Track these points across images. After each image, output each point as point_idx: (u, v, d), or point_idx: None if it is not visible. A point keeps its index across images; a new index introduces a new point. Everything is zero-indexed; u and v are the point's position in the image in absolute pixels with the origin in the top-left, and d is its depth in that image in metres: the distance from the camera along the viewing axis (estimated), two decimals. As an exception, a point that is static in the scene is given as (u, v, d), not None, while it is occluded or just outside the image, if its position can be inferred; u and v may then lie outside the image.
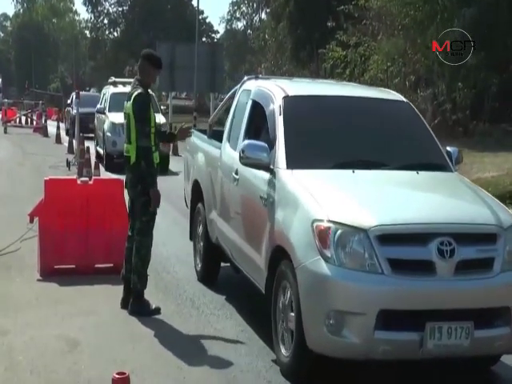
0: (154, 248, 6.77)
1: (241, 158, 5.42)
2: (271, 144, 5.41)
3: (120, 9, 67.49)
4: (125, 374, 3.02)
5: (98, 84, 68.34)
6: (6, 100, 45.86)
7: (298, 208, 4.74)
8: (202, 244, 7.18)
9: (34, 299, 6.42)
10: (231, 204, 6.21)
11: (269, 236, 5.09)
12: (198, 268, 7.31)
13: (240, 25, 67.33)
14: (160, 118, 15.62)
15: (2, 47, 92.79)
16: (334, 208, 4.56)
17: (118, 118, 15.06)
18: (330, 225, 4.39)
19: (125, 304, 6.19)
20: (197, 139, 7.84)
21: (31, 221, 7.51)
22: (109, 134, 16.50)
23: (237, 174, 5.94)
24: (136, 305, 6.09)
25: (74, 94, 26.72)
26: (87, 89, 60.03)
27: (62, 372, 4.74)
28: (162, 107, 18.52)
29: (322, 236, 4.40)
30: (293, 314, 4.63)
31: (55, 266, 7.21)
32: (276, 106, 5.72)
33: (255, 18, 62.50)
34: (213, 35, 67.68)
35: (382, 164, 5.39)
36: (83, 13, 74.70)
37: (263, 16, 54.51)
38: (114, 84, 18.69)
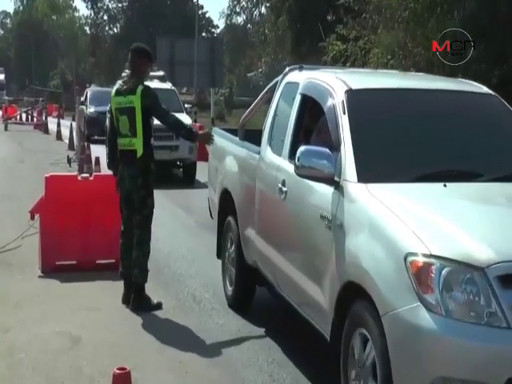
0: (155, 243, 6.79)
1: (296, 167, 4.30)
2: (333, 150, 4.32)
3: (119, 5, 67.54)
4: (125, 369, 3.02)
5: (98, 80, 68.33)
6: (6, 97, 45.89)
7: (382, 235, 3.63)
8: (233, 266, 6.23)
9: (36, 296, 6.43)
10: (277, 222, 5.18)
11: (336, 268, 3.99)
12: (228, 292, 6.31)
13: (240, 19, 67.23)
14: (185, 119, 14.63)
15: (2, 44, 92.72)
16: (434, 237, 3.44)
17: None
18: (433, 261, 3.30)
19: (126, 300, 6.19)
20: (225, 140, 6.81)
21: (32, 218, 7.51)
22: None
23: (284, 185, 4.91)
24: (137, 300, 6.09)
25: (88, 91, 25.40)
26: (87, 85, 60.03)
27: (64, 369, 4.75)
28: (185, 105, 17.27)
29: (422, 276, 3.31)
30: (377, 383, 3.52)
31: (56, 263, 7.21)
32: (337, 102, 4.61)
33: (255, 13, 62.35)
34: (213, 30, 67.74)
35: (478, 174, 4.31)
36: (83, 9, 74.73)
37: (263, 10, 54.38)
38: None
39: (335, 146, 4.37)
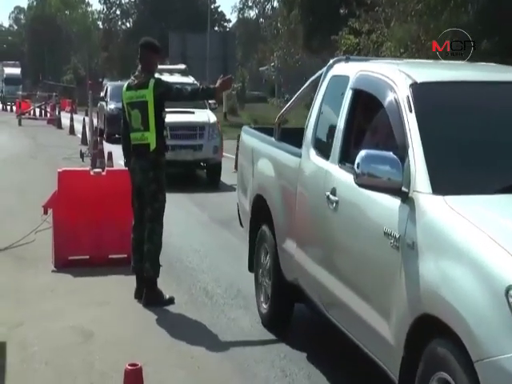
0: (167, 238, 6.80)
1: (356, 175, 3.63)
2: (398, 155, 3.65)
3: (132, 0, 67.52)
4: (137, 365, 3.01)
5: (110, 75, 68.48)
6: (20, 92, 46.10)
7: (472, 261, 2.98)
8: (269, 280, 5.54)
9: (49, 290, 6.45)
10: (325, 236, 4.45)
11: (407, 296, 3.33)
12: (262, 310, 5.65)
13: (252, 13, 67.31)
14: (209, 117, 13.72)
15: (16, 40, 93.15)
16: None
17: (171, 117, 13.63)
18: None
19: (138, 294, 6.20)
20: (257, 141, 6.17)
21: (45, 212, 7.53)
22: None
23: (335, 194, 4.24)
24: (149, 295, 6.09)
25: (108, 85, 24.24)
26: (100, 80, 60.12)
27: (76, 363, 4.76)
28: (209, 101, 15.52)
29: None
30: None
31: (69, 257, 7.24)
32: (401, 98, 3.92)
33: (267, 7, 62.38)
34: (225, 24, 67.71)
35: None
36: (95, 4, 75.04)
37: (275, 4, 54.34)
38: (159, 72, 16.30)
39: (400, 150, 3.69)
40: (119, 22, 70.35)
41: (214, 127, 13.46)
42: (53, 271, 7.07)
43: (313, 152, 4.89)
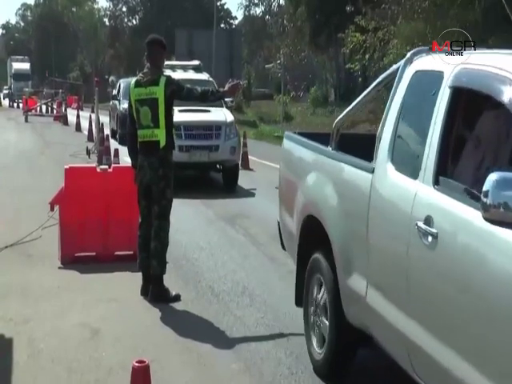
0: (174, 235, 6.81)
1: (486, 208, 2.73)
2: None
3: (138, -4, 67.57)
4: (145, 362, 3.02)
5: (117, 72, 68.52)
6: (27, 89, 46.22)
7: None
8: (325, 321, 4.52)
9: (55, 287, 6.46)
10: (417, 278, 3.40)
11: None
12: (314, 354, 4.66)
13: (258, 10, 67.28)
14: (226, 116, 12.96)
15: (23, 37, 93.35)
16: None
17: (186, 115, 11.89)
18: None
19: (145, 291, 6.21)
20: (307, 150, 5.20)
21: (52, 209, 7.55)
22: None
23: (431, 224, 3.25)
24: (156, 291, 6.10)
25: (121, 83, 22.38)
26: (106, 77, 60.17)
27: (84, 360, 4.77)
28: (225, 99, 15.36)
29: None
30: None
31: (76, 254, 7.25)
32: None
33: (273, 4, 62.21)
34: (231, 21, 67.69)
35: None
36: (102, 1, 75.16)
37: (281, 1, 54.20)
38: (172, 68, 14.09)
39: None
40: (125, 19, 70.43)
41: (231, 127, 12.59)
42: (59, 268, 7.09)
43: (391, 167, 3.88)
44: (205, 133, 12.26)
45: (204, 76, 14.32)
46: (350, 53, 28.59)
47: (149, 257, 6.19)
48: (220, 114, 12.85)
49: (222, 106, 13.10)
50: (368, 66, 28.71)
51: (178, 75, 12.55)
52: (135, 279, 6.38)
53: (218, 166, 12.66)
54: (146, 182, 6.21)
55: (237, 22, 69.21)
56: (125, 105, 18.13)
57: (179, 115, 10.55)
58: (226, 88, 6.44)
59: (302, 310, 5.74)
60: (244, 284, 6.63)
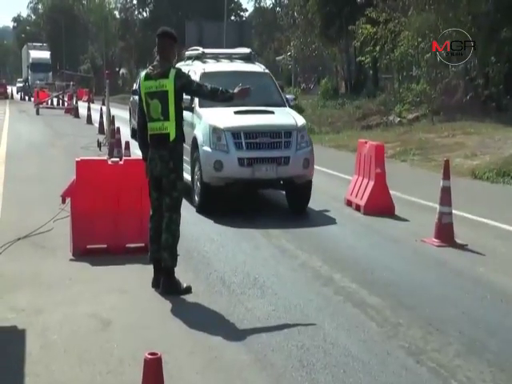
0: (184, 227, 6.81)
1: None
2: None
3: (149, -11, 67.48)
4: (157, 354, 3.02)
5: (127, 64, 68.51)
6: (38, 81, 46.18)
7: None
8: None
9: (67, 279, 6.50)
10: None
11: None
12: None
13: (268, 2, 67.07)
14: (296, 118, 10.00)
15: (34, 29, 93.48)
16: None
17: (219, 117, 9.62)
18: None
19: (156, 284, 6.23)
20: None
21: (63, 201, 7.59)
22: (207, 148, 9.43)
23: None
24: (167, 284, 6.12)
25: (142, 73, 20.55)
26: (117, 69, 60.10)
27: (95, 351, 4.80)
28: (287, 95, 13.18)
29: None
30: None
31: (87, 246, 7.29)
32: None
33: (284, -4, 61.93)
34: (241, 13, 67.45)
35: None
36: (112, -7, 74.85)
37: (292, -7, 53.98)
38: (203, 57, 11.42)
39: None
40: (136, 12, 70.33)
41: (303, 132, 9.70)
42: (71, 260, 7.13)
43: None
44: (272, 141, 9.37)
45: (258, 67, 11.44)
46: (360, 45, 28.47)
47: (160, 249, 6.21)
48: (288, 117, 10.05)
49: (284, 105, 10.65)
50: (379, 58, 28.57)
51: (224, 66, 11.08)
52: (146, 271, 6.41)
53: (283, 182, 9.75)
54: (157, 174, 6.23)
55: (247, 14, 69.03)
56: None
57: (237, 118, 9.46)
58: (236, 90, 6.31)
59: (312, 301, 5.76)
60: (255, 276, 6.63)
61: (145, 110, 6.27)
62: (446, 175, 8.08)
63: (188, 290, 6.14)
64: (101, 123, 21.53)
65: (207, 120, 9.58)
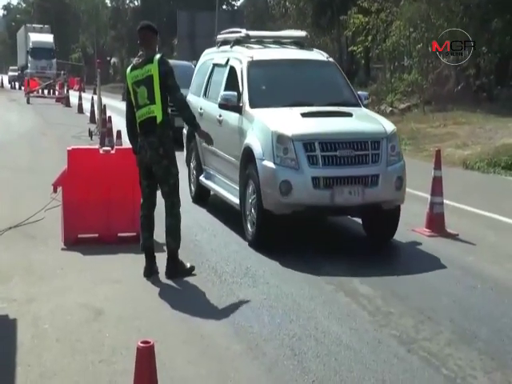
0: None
1: None
2: None
3: (140, -23, 67.09)
4: (150, 342, 3.02)
5: (119, 53, 68.19)
6: (28, 70, 45.86)
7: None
8: None
9: (59, 268, 6.49)
10: None
11: None
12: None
13: (260, -9, 66.58)
14: (383, 123, 7.30)
15: (24, 18, 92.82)
16: None
17: (283, 122, 7.26)
18: None
19: (148, 273, 6.24)
20: None
21: (55, 191, 7.57)
22: (269, 163, 7.02)
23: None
24: (172, 266, 6.24)
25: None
26: (108, 58, 59.80)
27: (87, 340, 4.80)
28: (359, 92, 9.95)
29: None
30: None
31: (79, 236, 7.28)
32: None
33: (276, -15, 61.71)
34: (233, 2, 67.15)
35: None
36: (103, -18, 74.33)
37: (284, -18, 53.78)
38: (261, 42, 9.13)
39: None
40: (127, 1, 69.96)
41: (394, 142, 7.32)
42: (62, 249, 7.12)
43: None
44: (355, 154, 6.98)
45: (320, 55, 8.98)
46: (352, 35, 28.45)
47: (151, 236, 6.32)
48: (372, 121, 7.76)
49: (358, 104, 8.21)
50: (371, 48, 28.58)
51: (277, 53, 8.77)
52: (138, 260, 6.40)
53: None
54: (147, 161, 6.25)
55: (239, 3, 68.71)
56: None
57: (308, 123, 7.24)
58: (201, 128, 6.48)
59: (304, 291, 5.78)
60: (246, 265, 6.64)
61: (133, 102, 6.32)
62: (438, 165, 8.11)
63: (192, 270, 6.32)
64: (92, 112, 21.46)
65: (267, 124, 7.22)
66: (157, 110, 6.16)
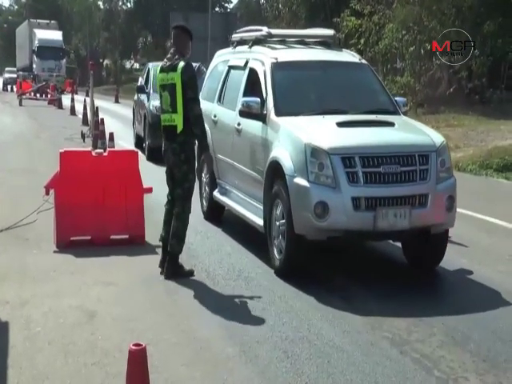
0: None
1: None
2: None
3: (133, -21, 67.04)
4: (141, 345, 3.03)
5: (111, 55, 68.08)
6: (21, 72, 45.70)
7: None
8: None
9: (52, 270, 6.47)
10: None
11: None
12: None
13: (253, -6, 66.67)
14: (431, 135, 6.39)
15: (16, 19, 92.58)
16: None
17: (317, 132, 6.37)
18: None
19: (162, 264, 6.40)
20: None
21: (47, 193, 7.55)
22: (302, 180, 6.12)
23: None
24: (172, 268, 6.30)
25: (149, 66, 15.77)
26: (101, 60, 59.70)
27: (80, 343, 4.79)
28: (396, 98, 8.46)
29: None
30: None
31: (71, 238, 7.26)
32: None
33: (269, -13, 61.78)
34: (226, 5, 67.17)
35: None
36: (96, -16, 74.13)
37: (277, -15, 53.83)
38: (267, 40, 8.09)
39: None
40: (120, 2, 69.88)
41: (444, 155, 6.45)
42: (55, 252, 7.10)
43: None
44: (401, 170, 6.09)
45: (352, 56, 8.13)
46: (345, 37, 28.51)
47: (170, 232, 6.41)
48: (417, 131, 6.85)
49: (396, 112, 7.30)
50: (363, 51, 28.63)
51: (304, 54, 7.86)
52: (131, 263, 6.40)
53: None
54: (170, 166, 6.42)
55: (231, 5, 68.74)
56: (156, 102, 10.38)
57: (345, 134, 6.35)
58: (209, 152, 6.70)
59: (297, 293, 5.79)
60: (239, 268, 6.64)
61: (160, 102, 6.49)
62: (430, 167, 8.08)
63: (191, 273, 6.36)
64: (84, 114, 21.43)
65: (299, 135, 6.35)
66: (177, 120, 6.24)
